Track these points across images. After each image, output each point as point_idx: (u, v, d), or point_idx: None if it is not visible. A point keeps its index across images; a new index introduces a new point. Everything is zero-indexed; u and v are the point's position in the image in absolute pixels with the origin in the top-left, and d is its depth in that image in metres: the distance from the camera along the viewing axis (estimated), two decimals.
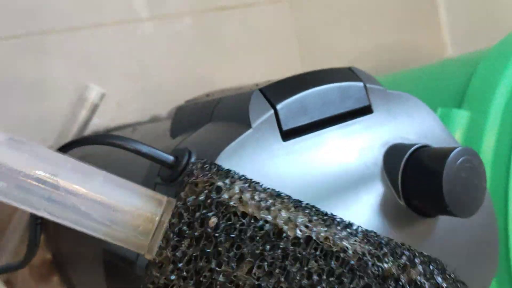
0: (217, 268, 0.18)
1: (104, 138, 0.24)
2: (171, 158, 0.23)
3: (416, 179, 0.25)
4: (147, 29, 0.53)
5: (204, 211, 0.18)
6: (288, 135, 0.25)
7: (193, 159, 0.24)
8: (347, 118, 0.26)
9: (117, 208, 0.19)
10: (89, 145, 0.41)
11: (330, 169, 0.25)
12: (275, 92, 0.25)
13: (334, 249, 0.18)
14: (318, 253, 0.18)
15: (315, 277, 0.18)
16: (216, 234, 0.18)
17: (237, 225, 0.18)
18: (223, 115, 0.26)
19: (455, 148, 0.25)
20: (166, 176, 0.24)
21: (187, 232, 0.18)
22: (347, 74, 0.27)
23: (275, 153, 0.24)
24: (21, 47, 0.47)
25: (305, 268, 0.18)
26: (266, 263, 0.18)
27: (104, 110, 0.50)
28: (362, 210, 0.25)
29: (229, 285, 0.18)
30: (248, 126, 0.24)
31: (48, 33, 0.48)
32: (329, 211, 0.24)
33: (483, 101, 0.39)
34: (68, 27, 0.49)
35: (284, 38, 0.60)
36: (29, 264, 0.45)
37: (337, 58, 0.62)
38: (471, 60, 0.45)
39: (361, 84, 0.27)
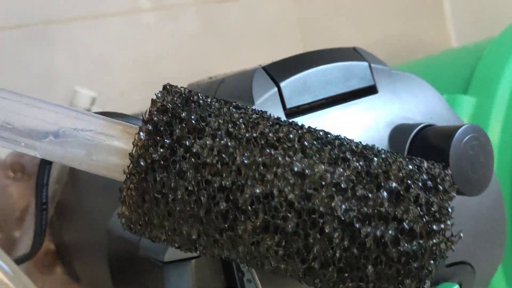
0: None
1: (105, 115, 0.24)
2: None
3: (422, 157, 0.25)
4: (151, 19, 0.53)
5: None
6: (291, 113, 0.24)
7: None
8: (352, 97, 0.26)
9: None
10: None
11: None
12: (279, 70, 0.25)
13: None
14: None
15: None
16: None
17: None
18: (226, 94, 0.26)
19: (461, 125, 0.24)
20: None
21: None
22: (352, 53, 0.27)
23: None
24: (26, 37, 0.47)
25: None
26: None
27: (108, 99, 0.50)
28: None
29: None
30: (251, 103, 0.24)
31: (53, 23, 0.48)
32: None
33: (489, 87, 0.38)
34: (73, 17, 0.49)
35: (288, 30, 0.60)
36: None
37: None
38: (476, 48, 0.44)
39: (365, 63, 0.27)
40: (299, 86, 0.25)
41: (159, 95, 0.18)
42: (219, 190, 0.17)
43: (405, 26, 0.65)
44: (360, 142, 0.19)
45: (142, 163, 0.17)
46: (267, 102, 0.24)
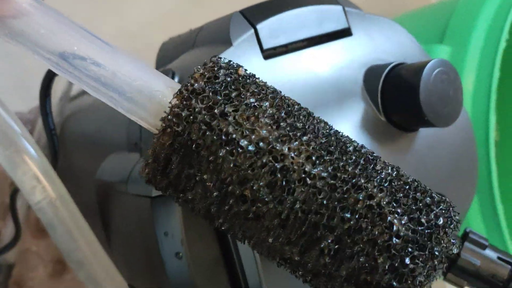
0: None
1: None
2: None
3: (395, 94, 0.26)
4: None
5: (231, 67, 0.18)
6: (269, 55, 0.25)
7: (176, 79, 0.25)
8: (327, 40, 0.27)
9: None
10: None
11: (311, 86, 0.26)
12: (255, 13, 0.26)
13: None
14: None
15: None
16: (242, 79, 0.18)
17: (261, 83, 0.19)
18: (205, 40, 0.27)
19: (430, 60, 0.25)
20: None
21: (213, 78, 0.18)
22: None
23: (256, 71, 0.24)
24: None
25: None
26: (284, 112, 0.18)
27: None
28: (345, 125, 0.26)
29: (245, 122, 0.17)
30: (230, 45, 0.24)
31: None
32: None
33: (463, 36, 0.39)
34: None
35: None
36: (26, 221, 0.46)
37: None
38: (452, 0, 0.45)
39: (339, 7, 0.27)
40: (276, 28, 0.25)
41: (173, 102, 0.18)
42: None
43: None
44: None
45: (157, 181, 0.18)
46: (244, 43, 0.25)
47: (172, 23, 0.56)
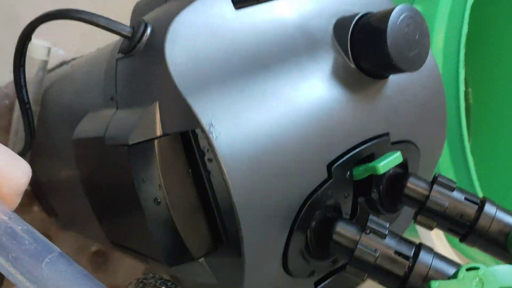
0: None
1: (66, 12, 0.25)
2: (128, 28, 0.25)
3: (364, 41, 0.27)
4: None
5: None
6: (240, 6, 0.26)
7: (149, 30, 0.25)
8: None
9: None
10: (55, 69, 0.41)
11: (282, 36, 0.26)
12: None
13: None
14: None
15: None
16: None
17: None
18: None
19: (396, 6, 0.26)
20: (125, 48, 0.25)
21: None
22: None
23: (228, 20, 0.25)
24: None
25: None
26: None
27: (69, 41, 0.50)
28: (317, 73, 0.27)
29: None
30: None
31: None
32: (285, 74, 0.26)
33: None
34: None
35: None
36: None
37: None
38: None
39: None
40: None
41: None
42: None
43: None
44: None
45: None
46: None
47: None
